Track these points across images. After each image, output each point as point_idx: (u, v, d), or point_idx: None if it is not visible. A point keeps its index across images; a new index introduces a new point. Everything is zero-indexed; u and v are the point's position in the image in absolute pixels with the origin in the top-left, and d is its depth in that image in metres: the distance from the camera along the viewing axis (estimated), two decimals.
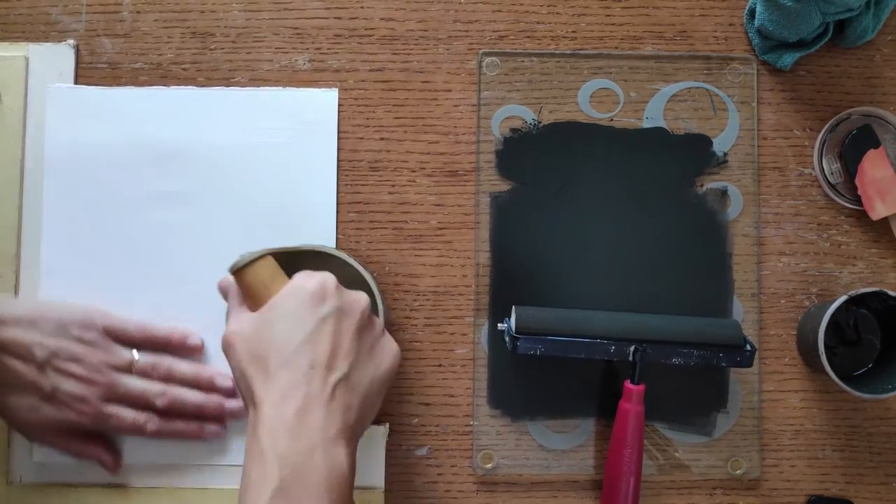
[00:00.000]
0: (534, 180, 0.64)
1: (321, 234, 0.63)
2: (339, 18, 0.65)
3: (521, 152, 0.64)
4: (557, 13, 0.66)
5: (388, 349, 0.53)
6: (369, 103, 0.65)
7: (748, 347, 0.60)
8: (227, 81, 0.65)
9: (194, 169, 0.63)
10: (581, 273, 0.64)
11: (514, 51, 0.65)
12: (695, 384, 0.63)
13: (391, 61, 0.65)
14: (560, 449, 0.63)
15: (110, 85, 0.64)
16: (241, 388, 0.51)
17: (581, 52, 0.65)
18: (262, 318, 0.51)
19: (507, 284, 0.64)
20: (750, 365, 0.60)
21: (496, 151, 0.65)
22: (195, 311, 0.62)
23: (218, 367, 0.62)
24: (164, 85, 0.64)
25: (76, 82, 0.64)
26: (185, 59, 0.65)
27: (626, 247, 0.64)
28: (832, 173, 0.65)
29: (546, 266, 0.64)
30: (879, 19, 0.63)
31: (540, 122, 0.65)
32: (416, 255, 0.64)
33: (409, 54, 0.65)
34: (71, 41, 0.64)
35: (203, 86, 0.64)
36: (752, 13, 0.65)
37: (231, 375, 0.54)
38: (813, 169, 0.65)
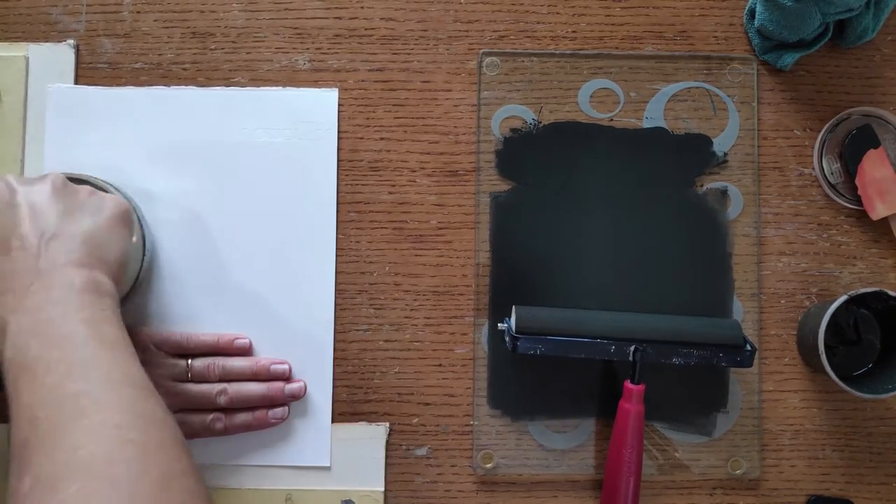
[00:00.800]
0: (534, 180, 0.64)
1: (321, 233, 0.63)
2: (340, 18, 0.65)
3: (521, 152, 0.64)
4: (557, 13, 0.66)
5: (105, 201, 0.55)
6: (369, 103, 0.65)
7: (748, 347, 0.60)
8: (228, 81, 0.65)
9: (194, 169, 0.63)
10: (581, 273, 0.64)
11: (514, 51, 0.65)
12: (695, 384, 0.63)
13: (391, 61, 0.65)
14: (560, 449, 0.63)
15: (110, 85, 0.64)
16: None
17: (581, 52, 0.65)
18: None
19: (507, 284, 0.64)
20: (750, 365, 0.60)
21: (496, 151, 0.65)
22: (195, 309, 0.62)
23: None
24: (165, 85, 0.64)
25: (76, 82, 0.64)
26: (185, 59, 0.65)
27: (626, 246, 0.64)
28: (832, 173, 0.65)
29: (546, 266, 0.64)
30: (879, 19, 0.63)
31: (540, 122, 0.65)
32: (416, 255, 0.64)
33: (409, 54, 0.65)
34: (71, 41, 0.64)
35: (203, 86, 0.64)
36: (752, 13, 0.65)
37: (285, 360, 0.61)
38: (813, 169, 0.65)
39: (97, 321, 0.48)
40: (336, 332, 0.63)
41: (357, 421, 0.63)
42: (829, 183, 0.65)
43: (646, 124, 0.65)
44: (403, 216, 0.64)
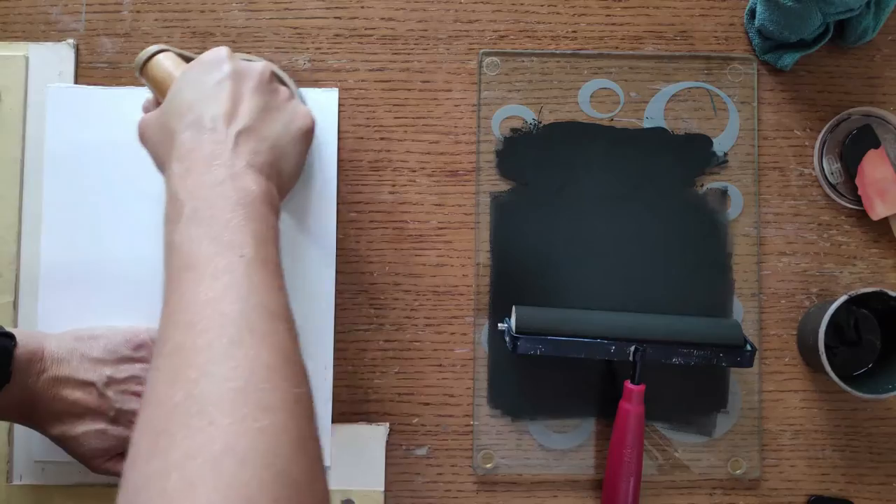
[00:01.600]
0: (534, 180, 0.64)
1: (321, 233, 0.63)
2: (339, 18, 0.65)
3: (521, 152, 0.64)
4: (558, 13, 0.66)
5: (299, 110, 0.55)
6: (370, 103, 0.65)
7: (748, 347, 0.60)
8: None
9: None
10: (581, 272, 0.64)
11: (514, 51, 0.65)
12: (695, 384, 0.63)
13: (391, 61, 0.65)
14: (560, 449, 0.63)
15: (110, 84, 0.64)
16: (158, 166, 0.52)
17: (581, 52, 0.65)
18: (167, 98, 0.53)
19: (508, 284, 0.64)
20: (750, 365, 0.60)
21: (496, 151, 0.65)
22: None
23: None
24: None
25: (76, 82, 0.64)
26: None
27: (627, 247, 0.64)
28: (832, 173, 0.65)
29: (546, 266, 0.64)
30: (880, 19, 0.63)
31: (540, 122, 0.65)
32: (416, 255, 0.64)
33: (409, 54, 0.65)
34: (71, 41, 0.64)
35: None
36: (752, 13, 0.65)
37: None
38: (813, 169, 0.65)
39: (264, 239, 0.46)
40: (336, 332, 0.63)
41: (357, 421, 0.63)
42: (830, 183, 0.65)
43: (646, 124, 0.65)
44: (404, 216, 0.64)
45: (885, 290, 0.58)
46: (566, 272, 0.64)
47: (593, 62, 0.65)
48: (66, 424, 0.56)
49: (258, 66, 0.54)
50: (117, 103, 0.64)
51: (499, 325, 0.62)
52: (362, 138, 0.65)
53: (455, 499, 0.63)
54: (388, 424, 0.63)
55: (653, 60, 0.65)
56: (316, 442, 0.41)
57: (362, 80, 0.65)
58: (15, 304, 0.63)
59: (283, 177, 0.52)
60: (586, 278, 0.64)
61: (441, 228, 0.64)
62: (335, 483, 0.62)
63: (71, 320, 0.61)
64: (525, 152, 0.64)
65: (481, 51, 0.65)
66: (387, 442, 0.63)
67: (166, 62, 0.56)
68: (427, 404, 0.63)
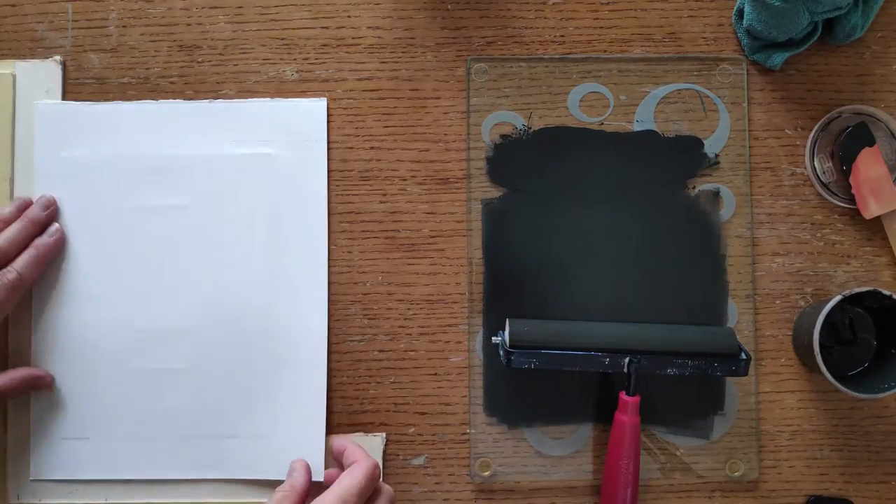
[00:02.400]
0: (525, 186, 0.64)
1: (312, 244, 0.63)
2: (326, 28, 0.65)
3: (511, 158, 0.64)
4: (545, 18, 0.65)
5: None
6: (358, 112, 0.65)
7: (743, 356, 0.60)
8: (215, 94, 0.64)
9: (185, 182, 0.63)
10: (575, 277, 0.63)
11: (502, 56, 0.65)
12: (691, 387, 0.63)
13: (379, 70, 0.65)
14: (557, 455, 0.63)
15: (98, 100, 0.64)
16: None
17: (570, 56, 0.65)
18: None
19: (501, 291, 0.63)
20: (745, 374, 0.59)
21: (487, 158, 0.64)
22: (187, 322, 0.62)
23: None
24: (153, 99, 0.64)
25: (64, 98, 0.64)
26: (172, 73, 0.65)
27: (619, 250, 0.64)
28: (824, 172, 0.64)
29: (540, 270, 0.63)
30: (868, 17, 0.63)
31: (530, 128, 0.64)
32: (408, 264, 0.64)
33: (397, 62, 0.65)
34: (58, 57, 0.64)
35: (191, 99, 0.64)
36: (740, 13, 0.64)
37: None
38: (805, 168, 0.65)
39: None
40: (330, 342, 0.63)
41: (353, 432, 0.63)
42: (822, 182, 0.64)
43: (636, 127, 0.65)
44: (395, 225, 0.64)
45: (880, 290, 0.58)
46: (559, 276, 0.63)
47: (582, 66, 0.65)
48: None
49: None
50: (106, 119, 0.63)
51: (493, 338, 0.61)
52: (352, 148, 0.64)
53: None
54: (384, 435, 0.63)
55: (642, 63, 0.65)
56: None
57: (350, 90, 0.65)
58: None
59: None
60: (580, 282, 0.63)
61: (433, 236, 0.64)
62: None
63: (63, 327, 0.61)
64: (515, 158, 0.64)
65: (469, 57, 0.65)
66: (384, 452, 0.63)
67: None
68: (423, 413, 0.63)
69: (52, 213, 0.62)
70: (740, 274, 0.64)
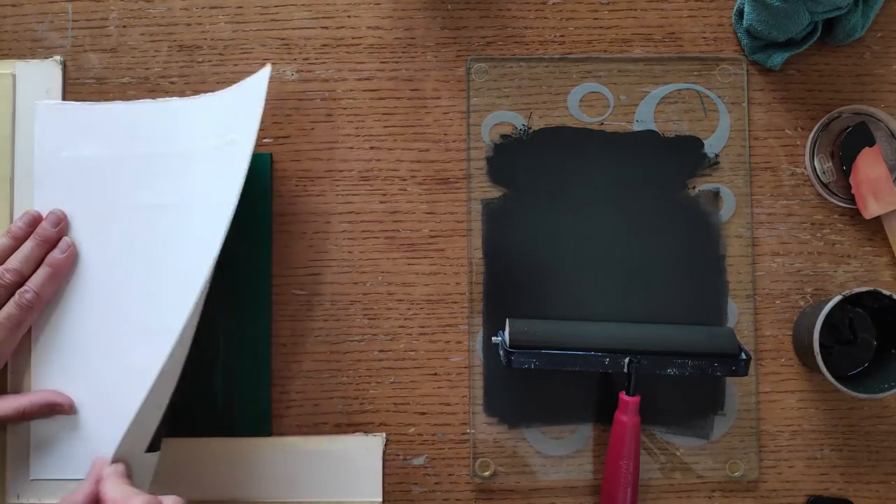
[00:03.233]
0: (525, 186, 0.64)
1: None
2: (326, 28, 0.65)
3: (511, 158, 0.64)
4: (545, 18, 0.65)
5: None
6: (358, 112, 0.65)
7: (743, 356, 0.60)
8: None
9: (184, 182, 0.63)
10: (575, 277, 0.63)
11: (502, 56, 0.65)
12: (691, 387, 0.63)
13: (379, 70, 0.65)
14: (557, 455, 0.63)
15: (98, 100, 0.64)
16: None
17: (570, 56, 0.65)
18: None
19: (501, 291, 0.63)
20: (745, 374, 0.59)
21: (487, 158, 0.64)
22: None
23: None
24: (153, 99, 0.64)
25: (64, 98, 0.64)
26: (172, 73, 0.65)
27: (620, 250, 0.64)
28: (824, 172, 0.64)
29: (539, 271, 0.63)
30: (868, 17, 0.63)
31: (530, 128, 0.64)
32: (408, 264, 0.64)
33: (397, 62, 0.65)
34: (58, 57, 0.64)
35: None
36: (740, 13, 0.64)
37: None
38: (805, 168, 0.65)
39: None
40: (331, 343, 0.63)
41: (353, 432, 0.63)
42: (822, 182, 0.64)
43: (636, 127, 0.65)
44: (395, 225, 0.64)
45: (880, 290, 0.58)
46: (559, 276, 0.63)
47: (582, 66, 0.65)
48: None
49: None
50: (106, 119, 0.63)
51: (493, 338, 0.61)
52: (352, 148, 0.64)
53: None
54: (384, 435, 0.63)
55: (642, 63, 0.65)
56: None
57: (350, 90, 0.65)
58: None
59: None
60: (580, 282, 0.63)
61: (433, 236, 0.64)
62: (333, 495, 0.62)
63: (62, 324, 0.61)
64: (515, 158, 0.64)
65: (469, 57, 0.65)
66: (384, 452, 0.63)
67: None
68: (423, 413, 0.63)
69: (62, 228, 0.62)
70: (740, 274, 0.64)
